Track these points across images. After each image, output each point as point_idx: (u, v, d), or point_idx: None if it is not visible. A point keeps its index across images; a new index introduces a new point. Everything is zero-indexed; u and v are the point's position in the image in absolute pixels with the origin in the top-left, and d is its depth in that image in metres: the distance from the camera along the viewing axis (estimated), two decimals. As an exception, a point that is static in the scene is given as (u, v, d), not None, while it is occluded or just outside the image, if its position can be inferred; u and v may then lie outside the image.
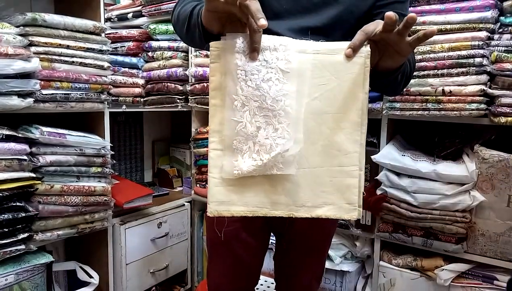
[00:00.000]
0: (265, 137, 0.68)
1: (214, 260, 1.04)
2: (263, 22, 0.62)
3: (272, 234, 1.06)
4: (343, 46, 0.70)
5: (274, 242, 1.10)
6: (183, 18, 0.80)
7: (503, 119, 1.23)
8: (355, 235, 1.62)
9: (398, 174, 1.42)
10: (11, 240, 1.19)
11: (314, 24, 0.89)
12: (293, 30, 0.89)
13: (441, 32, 1.32)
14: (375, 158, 1.45)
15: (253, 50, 0.67)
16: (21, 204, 1.21)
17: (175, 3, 0.91)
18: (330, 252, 1.62)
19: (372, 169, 1.50)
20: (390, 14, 0.64)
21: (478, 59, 1.25)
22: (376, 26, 0.69)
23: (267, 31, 0.90)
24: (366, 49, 0.69)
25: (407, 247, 1.48)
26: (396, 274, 1.48)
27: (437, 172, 1.33)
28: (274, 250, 1.11)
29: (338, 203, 0.70)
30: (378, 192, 1.47)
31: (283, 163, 0.68)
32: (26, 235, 1.23)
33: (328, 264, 1.60)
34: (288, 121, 0.68)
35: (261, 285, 1.74)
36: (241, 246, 0.97)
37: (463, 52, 1.27)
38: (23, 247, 1.24)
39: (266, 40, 0.69)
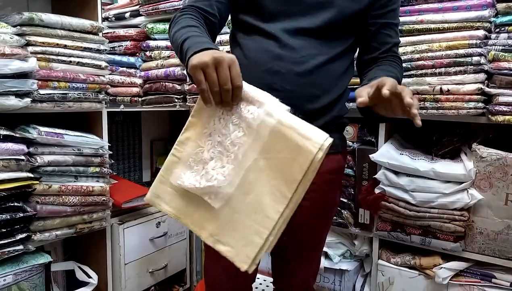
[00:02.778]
0: (212, 168, 0.76)
1: (211, 258, 1.04)
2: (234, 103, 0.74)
3: None
4: (306, 130, 0.72)
5: None
6: (176, 46, 0.85)
7: (500, 118, 1.23)
8: (353, 234, 1.62)
9: (396, 173, 1.43)
10: (9, 240, 1.19)
11: (309, 26, 0.90)
12: (287, 31, 0.90)
13: (438, 31, 1.33)
14: (373, 156, 1.45)
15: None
16: (19, 204, 1.21)
17: (173, 17, 0.93)
18: (329, 251, 1.62)
19: (371, 167, 1.50)
20: (385, 92, 0.71)
21: (475, 58, 1.26)
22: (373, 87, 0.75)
23: (262, 30, 0.90)
24: (322, 142, 0.70)
25: (406, 245, 1.48)
26: (395, 272, 1.48)
27: (435, 170, 1.34)
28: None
29: (239, 251, 0.75)
30: (377, 191, 1.47)
31: (215, 195, 0.76)
32: (24, 235, 1.23)
33: (327, 263, 1.61)
34: (233, 166, 0.75)
35: (260, 284, 1.74)
36: None
37: (461, 51, 1.28)
38: (21, 247, 1.23)
39: (253, 92, 0.75)
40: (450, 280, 1.37)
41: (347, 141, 1.55)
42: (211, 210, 0.77)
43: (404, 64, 1.38)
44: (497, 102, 1.23)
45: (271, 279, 1.15)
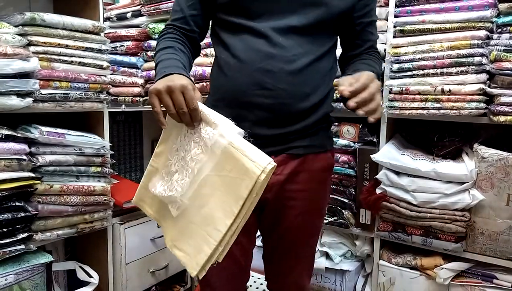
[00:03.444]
0: (176, 180, 0.85)
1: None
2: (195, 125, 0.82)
3: (259, 233, 1.08)
4: (254, 154, 0.77)
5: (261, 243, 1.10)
6: (155, 61, 0.91)
7: (502, 118, 1.23)
8: (355, 234, 1.62)
9: (397, 173, 1.43)
10: (11, 240, 1.19)
11: (299, 24, 0.91)
12: (277, 29, 0.91)
13: (440, 31, 1.33)
14: (374, 157, 1.45)
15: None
16: (20, 204, 1.21)
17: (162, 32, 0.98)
18: (330, 251, 1.62)
19: (372, 168, 1.50)
20: (350, 104, 0.78)
21: (477, 58, 1.26)
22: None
23: (251, 29, 0.92)
24: (265, 165, 0.74)
25: (407, 246, 1.48)
26: (396, 273, 1.48)
27: (437, 171, 1.33)
28: (263, 250, 1.10)
29: (191, 258, 0.83)
30: (378, 191, 1.47)
31: (173, 204, 0.85)
32: (25, 234, 1.23)
33: (327, 263, 1.61)
34: (189, 179, 0.83)
35: (254, 282, 1.74)
36: (235, 246, 0.96)
37: (463, 51, 1.28)
38: (22, 247, 1.23)
39: (210, 115, 0.81)
40: (451, 280, 1.37)
41: (349, 141, 1.55)
42: (174, 218, 0.86)
43: (405, 65, 1.38)
44: (498, 103, 1.23)
45: (259, 276, 1.15)
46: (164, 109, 0.80)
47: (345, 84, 0.79)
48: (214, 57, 1.01)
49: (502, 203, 1.28)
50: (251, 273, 1.72)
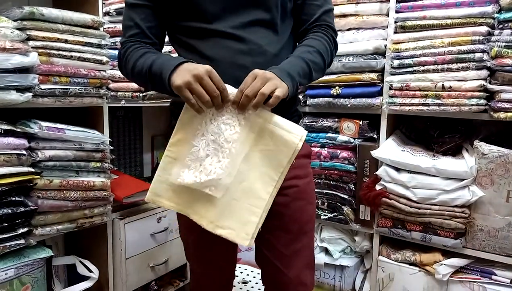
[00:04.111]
0: (210, 164, 0.86)
1: (194, 261, 1.10)
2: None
3: None
4: (288, 126, 0.86)
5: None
6: (142, 76, 0.91)
7: (502, 115, 1.22)
8: (354, 230, 1.63)
9: (397, 169, 1.43)
10: (11, 234, 1.19)
11: (258, 16, 0.93)
12: (239, 25, 0.92)
13: (441, 27, 1.32)
14: (374, 153, 1.45)
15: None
16: (20, 199, 1.21)
17: (119, 56, 0.99)
18: (329, 247, 1.63)
19: (372, 164, 1.50)
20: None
21: (478, 54, 1.25)
22: None
23: (215, 31, 0.93)
24: (302, 134, 0.86)
25: (406, 242, 1.49)
26: (395, 268, 1.49)
27: (437, 167, 1.33)
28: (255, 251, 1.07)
29: (238, 231, 0.87)
30: (378, 187, 1.47)
31: (216, 186, 0.86)
32: (25, 229, 1.23)
33: (327, 259, 1.61)
34: (229, 159, 0.86)
35: (254, 277, 1.74)
36: (217, 246, 1.01)
37: (464, 47, 1.27)
38: (22, 241, 1.24)
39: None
40: (450, 276, 1.37)
41: (349, 137, 1.55)
42: (210, 200, 0.87)
43: (406, 61, 1.38)
44: (499, 99, 1.23)
45: (259, 271, 1.13)
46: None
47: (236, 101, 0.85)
48: None
49: (501, 199, 1.28)
50: (251, 268, 1.74)
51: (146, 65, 0.89)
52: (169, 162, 0.90)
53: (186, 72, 0.81)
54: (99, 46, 1.39)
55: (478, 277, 1.35)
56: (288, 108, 0.98)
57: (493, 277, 1.33)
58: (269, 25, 0.95)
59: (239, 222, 0.87)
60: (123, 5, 1.80)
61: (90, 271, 1.49)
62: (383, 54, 1.48)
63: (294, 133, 0.85)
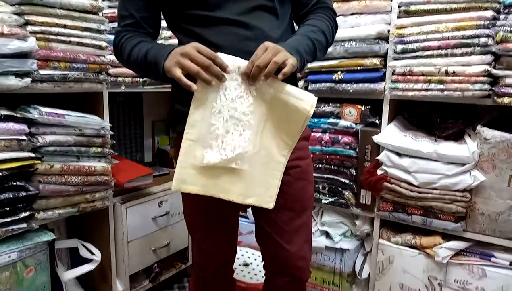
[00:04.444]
0: (232, 139, 0.88)
1: (195, 242, 1.13)
2: (226, 77, 0.86)
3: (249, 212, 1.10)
4: (298, 93, 0.90)
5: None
6: (138, 64, 0.93)
7: (506, 100, 1.21)
8: (355, 214, 1.64)
9: (399, 154, 1.42)
10: (13, 218, 1.20)
11: (261, 2, 0.94)
12: (243, 12, 0.92)
13: (446, 11, 1.29)
14: (376, 138, 1.44)
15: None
16: (21, 184, 1.21)
17: (114, 44, 1.00)
18: (330, 230, 1.64)
19: (373, 149, 1.50)
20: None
21: (483, 39, 1.23)
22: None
23: (220, 19, 0.93)
24: (313, 100, 0.89)
25: (406, 225, 1.50)
26: (395, 251, 1.50)
27: (438, 152, 1.33)
28: (255, 230, 1.12)
29: (263, 196, 0.93)
30: (379, 172, 1.47)
31: (241, 160, 0.89)
32: (27, 213, 1.24)
33: (328, 242, 1.63)
34: (251, 131, 0.89)
35: (255, 260, 1.77)
36: (222, 218, 1.06)
37: (468, 32, 1.25)
38: (24, 225, 1.25)
39: (245, 66, 0.86)
40: (450, 259, 1.39)
41: (351, 123, 1.54)
42: (234, 174, 0.90)
43: (409, 46, 1.36)
44: (503, 84, 1.22)
45: (260, 253, 1.16)
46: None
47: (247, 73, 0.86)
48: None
49: (503, 184, 1.28)
50: (252, 250, 1.76)
51: (141, 54, 0.91)
52: (190, 145, 0.89)
53: (175, 54, 0.84)
54: (98, 31, 1.37)
55: (477, 259, 1.37)
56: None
57: (492, 259, 1.34)
58: (270, 10, 0.96)
59: (264, 188, 0.92)
60: (121, -12, 1.77)
61: (93, 254, 1.51)
62: (386, 39, 1.46)
63: (305, 100, 0.88)
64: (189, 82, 0.82)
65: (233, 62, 0.87)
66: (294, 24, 1.09)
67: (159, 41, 1.72)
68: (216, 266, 1.14)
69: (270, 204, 0.93)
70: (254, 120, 0.89)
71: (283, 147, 0.93)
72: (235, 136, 0.88)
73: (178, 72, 0.82)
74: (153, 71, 0.90)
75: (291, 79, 0.96)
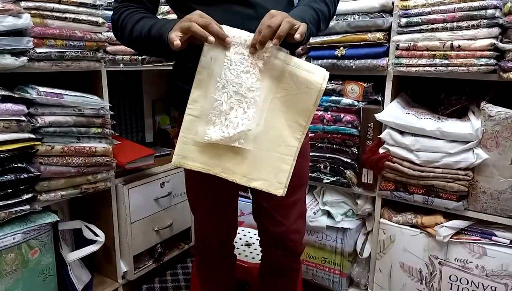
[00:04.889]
0: (235, 117, 0.83)
1: (197, 215, 1.16)
2: (228, 40, 0.82)
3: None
4: (309, 66, 0.84)
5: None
6: (141, 40, 0.89)
7: (512, 75, 1.19)
8: (356, 193, 1.63)
9: (401, 132, 1.41)
10: (16, 200, 1.21)
11: None
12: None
13: (452, -19, 1.25)
14: (378, 116, 1.43)
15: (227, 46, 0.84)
16: (22, 165, 1.21)
17: (113, 20, 0.97)
18: (332, 210, 1.64)
19: (376, 127, 1.48)
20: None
21: (490, 11, 1.19)
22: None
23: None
24: (324, 73, 0.83)
25: (408, 204, 1.50)
26: (396, 231, 1.51)
27: (442, 129, 1.32)
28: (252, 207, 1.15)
29: (271, 181, 0.87)
30: (381, 151, 1.46)
31: (245, 139, 0.84)
32: (30, 195, 1.24)
33: (329, 222, 1.63)
34: (255, 108, 0.84)
35: (257, 239, 1.77)
36: (218, 201, 1.08)
37: (475, 4, 1.21)
38: (27, 207, 1.25)
39: (251, 38, 0.82)
40: (450, 238, 1.39)
41: (353, 100, 1.52)
42: (239, 154, 0.86)
43: (414, 19, 1.32)
44: (510, 59, 1.19)
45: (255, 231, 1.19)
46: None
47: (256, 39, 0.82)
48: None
49: (506, 161, 1.27)
50: (254, 230, 1.76)
51: (145, 30, 0.88)
52: (192, 120, 0.86)
53: (178, 24, 0.81)
54: (94, 6, 1.34)
55: (478, 238, 1.37)
56: None
57: (493, 238, 1.34)
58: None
59: (272, 172, 0.87)
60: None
61: (96, 235, 1.52)
62: (390, 12, 1.42)
63: (316, 73, 0.83)
64: (175, 37, 0.78)
65: (239, 35, 0.83)
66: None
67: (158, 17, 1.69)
68: (218, 241, 1.17)
69: (279, 190, 0.87)
70: (260, 97, 0.84)
71: (296, 128, 0.86)
72: (239, 114, 0.84)
73: (174, 34, 0.79)
74: (158, 45, 0.86)
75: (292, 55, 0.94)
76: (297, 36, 0.79)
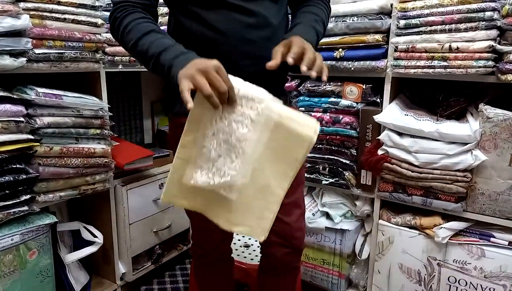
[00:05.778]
0: (222, 165, 0.82)
1: (193, 223, 1.17)
2: (234, 104, 0.80)
3: None
4: (301, 118, 0.84)
5: None
6: (146, 57, 0.85)
7: (510, 77, 1.19)
8: (355, 195, 1.64)
9: (400, 134, 1.41)
10: (14, 201, 1.20)
11: None
12: None
13: (450, -16, 1.26)
14: (377, 118, 1.43)
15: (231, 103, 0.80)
16: (21, 166, 1.21)
17: (115, 17, 0.92)
18: (330, 211, 1.64)
19: (374, 128, 1.48)
20: (289, 61, 0.82)
21: (488, 13, 1.20)
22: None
23: (223, 2, 0.91)
24: (316, 126, 0.83)
25: (407, 206, 1.50)
26: (395, 232, 1.51)
27: (440, 131, 1.32)
28: None
29: (254, 227, 0.88)
30: (380, 152, 1.46)
31: (229, 188, 0.84)
32: (28, 196, 1.24)
33: (328, 223, 1.63)
34: (243, 160, 0.82)
35: (256, 240, 1.78)
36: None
37: (473, 6, 1.22)
38: (26, 208, 1.25)
39: (246, 88, 0.80)
40: (449, 239, 1.39)
41: (352, 102, 1.52)
42: (225, 200, 0.85)
43: (413, 21, 1.33)
44: (508, 61, 1.19)
45: None
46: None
47: (277, 56, 0.84)
48: (176, 29, 0.98)
49: (504, 163, 1.27)
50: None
51: (153, 51, 0.84)
52: (180, 163, 0.86)
53: (193, 67, 0.76)
54: (93, 7, 1.34)
55: (476, 239, 1.37)
56: (283, 80, 1.07)
57: (492, 239, 1.34)
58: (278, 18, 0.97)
59: (255, 218, 0.88)
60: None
61: (95, 236, 1.52)
62: (388, 14, 1.42)
63: (308, 126, 0.83)
64: (189, 98, 0.74)
65: (247, 94, 0.81)
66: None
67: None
68: (214, 244, 1.17)
69: (261, 236, 0.88)
70: (249, 148, 0.82)
71: (283, 178, 0.86)
72: (226, 163, 0.82)
73: (186, 85, 0.74)
74: (163, 73, 0.84)
75: (282, 76, 1.02)
76: (313, 74, 0.81)
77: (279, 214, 1.05)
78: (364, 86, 1.49)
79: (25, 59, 1.18)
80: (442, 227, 1.39)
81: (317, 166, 1.64)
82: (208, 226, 1.11)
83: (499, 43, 1.22)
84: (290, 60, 0.81)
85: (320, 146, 1.61)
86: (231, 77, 0.79)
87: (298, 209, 1.12)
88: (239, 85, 0.80)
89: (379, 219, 1.56)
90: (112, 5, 0.95)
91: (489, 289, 1.34)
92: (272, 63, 0.83)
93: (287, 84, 1.65)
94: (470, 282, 1.38)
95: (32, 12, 1.18)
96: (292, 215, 1.09)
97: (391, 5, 1.40)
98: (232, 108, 0.80)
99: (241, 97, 0.80)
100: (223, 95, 0.76)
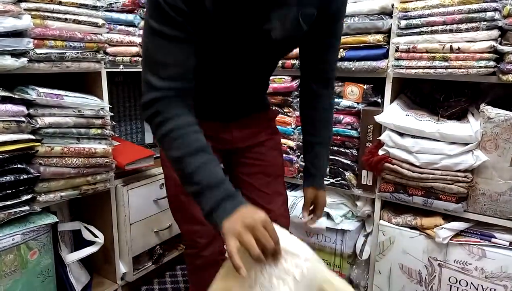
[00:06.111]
0: None
1: (182, 219, 1.15)
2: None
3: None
4: (341, 285, 0.78)
5: None
6: (187, 173, 0.78)
7: (511, 77, 1.19)
8: (356, 195, 1.63)
9: (401, 134, 1.41)
10: (15, 201, 1.20)
11: (273, 66, 1.06)
12: (251, 75, 1.00)
13: (452, -16, 1.26)
14: (378, 118, 1.43)
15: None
16: (22, 166, 1.21)
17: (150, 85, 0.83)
18: (331, 211, 1.64)
19: (375, 129, 1.48)
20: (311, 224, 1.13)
21: (489, 13, 1.20)
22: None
23: (229, 71, 0.96)
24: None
25: (407, 206, 1.50)
26: (396, 232, 1.51)
27: (441, 131, 1.32)
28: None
29: None
30: (380, 153, 1.46)
31: None
32: (29, 196, 1.24)
33: (328, 223, 1.63)
34: None
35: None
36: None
37: (474, 6, 1.22)
38: (27, 208, 1.25)
39: (292, 244, 0.75)
40: (450, 239, 1.39)
41: (352, 102, 1.52)
42: None
43: (414, 21, 1.33)
44: (509, 61, 1.19)
45: None
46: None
47: (305, 215, 1.14)
48: None
49: (505, 163, 1.27)
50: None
51: (199, 180, 0.77)
52: None
53: (239, 220, 0.72)
54: (95, 8, 1.34)
55: (477, 240, 1.37)
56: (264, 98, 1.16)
57: (493, 240, 1.34)
58: (271, 71, 1.08)
59: None
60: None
61: (96, 236, 1.52)
62: (390, 14, 1.42)
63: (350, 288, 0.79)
64: (240, 264, 0.68)
65: (298, 249, 0.76)
66: None
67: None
68: (207, 240, 1.13)
69: None
70: None
71: None
72: None
73: (234, 246, 0.70)
74: (201, 203, 0.77)
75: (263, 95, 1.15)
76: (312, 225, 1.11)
77: (262, 202, 1.11)
78: (365, 87, 1.49)
79: (26, 59, 1.18)
80: (443, 227, 1.39)
81: (318, 166, 1.64)
82: (198, 216, 1.06)
83: (500, 44, 1.22)
84: (312, 225, 1.12)
85: (321, 146, 1.61)
86: (276, 228, 0.74)
87: (280, 198, 1.17)
88: (285, 238, 0.75)
89: (380, 219, 1.56)
90: (146, 87, 0.85)
91: (490, 289, 1.34)
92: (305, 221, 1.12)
93: (287, 85, 1.65)
94: (471, 283, 1.37)
95: (33, 12, 1.18)
96: (274, 203, 1.14)
97: (392, 5, 1.40)
98: (274, 261, 0.73)
99: (286, 251, 0.74)
100: (269, 252, 0.71)
